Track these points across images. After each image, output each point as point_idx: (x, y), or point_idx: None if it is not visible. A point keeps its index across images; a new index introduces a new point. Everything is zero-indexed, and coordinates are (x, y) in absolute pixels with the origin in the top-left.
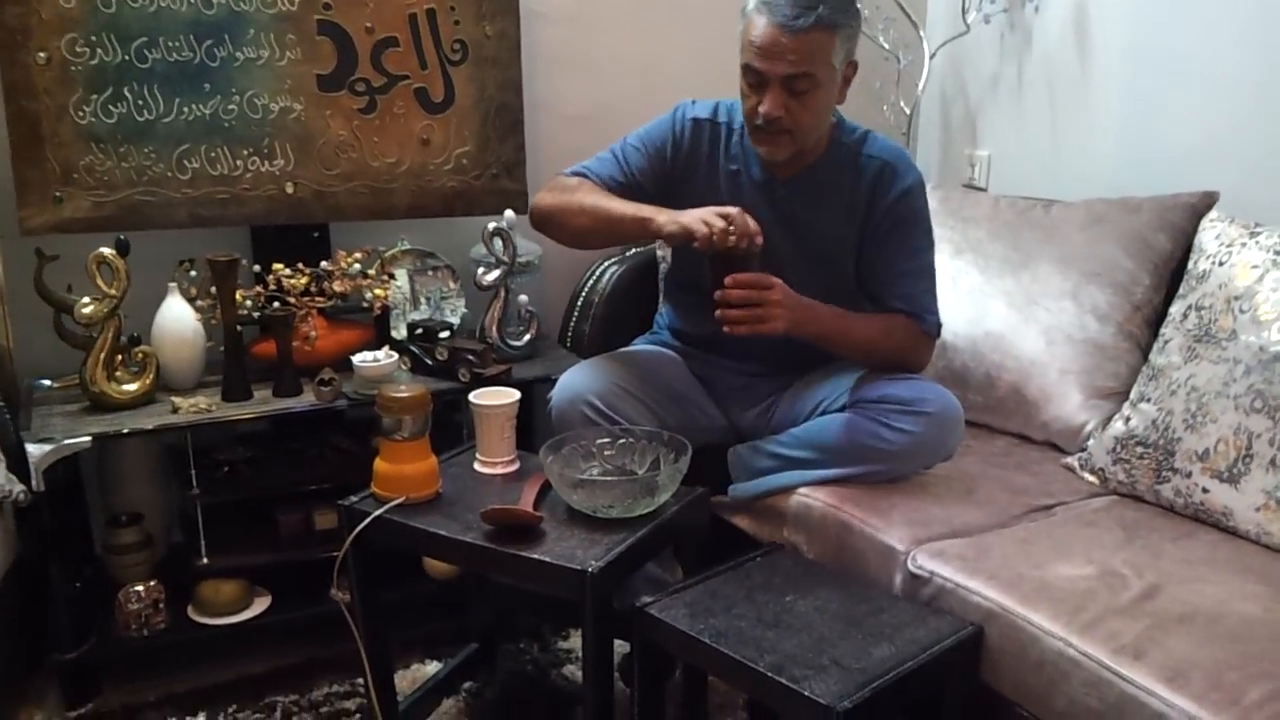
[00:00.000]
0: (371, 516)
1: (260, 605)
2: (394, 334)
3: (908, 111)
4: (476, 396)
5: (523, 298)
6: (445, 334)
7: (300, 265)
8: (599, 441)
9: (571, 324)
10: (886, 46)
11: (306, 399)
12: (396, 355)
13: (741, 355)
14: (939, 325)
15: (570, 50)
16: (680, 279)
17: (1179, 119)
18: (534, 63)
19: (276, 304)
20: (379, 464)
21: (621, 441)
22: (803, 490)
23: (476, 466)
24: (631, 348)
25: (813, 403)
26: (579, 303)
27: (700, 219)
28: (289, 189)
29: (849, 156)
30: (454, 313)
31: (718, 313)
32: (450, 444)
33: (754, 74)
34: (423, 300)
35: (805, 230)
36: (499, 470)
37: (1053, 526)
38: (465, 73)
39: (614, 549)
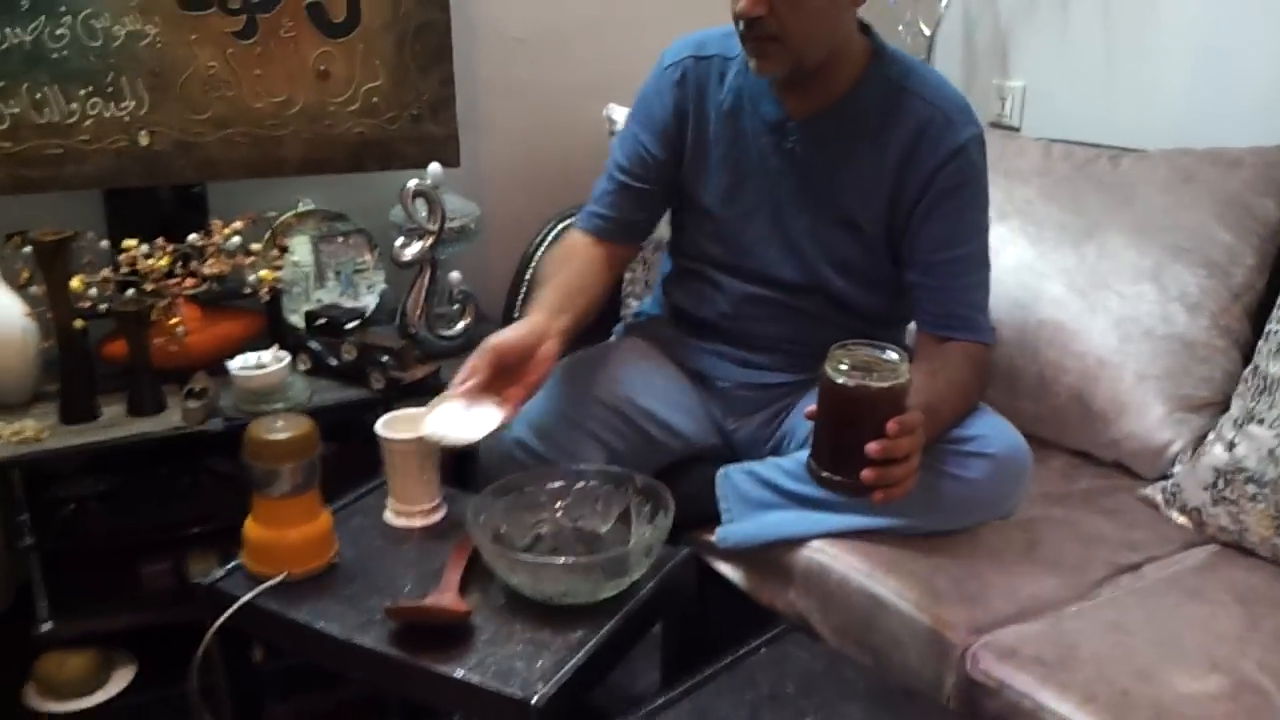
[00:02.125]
0: (238, 604)
1: (121, 680)
2: (294, 319)
3: (928, 33)
4: (386, 425)
5: (454, 275)
6: (353, 324)
7: (160, 241)
8: (550, 486)
9: (519, 304)
10: None
11: (170, 418)
12: (288, 357)
13: (759, 345)
14: (994, 332)
15: None
16: (693, 252)
17: (1274, 49)
18: None
19: (131, 291)
20: (250, 527)
21: (580, 485)
22: (816, 543)
23: (388, 516)
24: (592, 349)
25: None
26: (528, 276)
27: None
28: (143, 139)
29: (889, 94)
30: (371, 290)
31: (867, 474)
32: (364, 472)
33: None
34: (331, 275)
35: (825, 187)
36: (418, 522)
37: (1147, 599)
38: None
39: (570, 660)
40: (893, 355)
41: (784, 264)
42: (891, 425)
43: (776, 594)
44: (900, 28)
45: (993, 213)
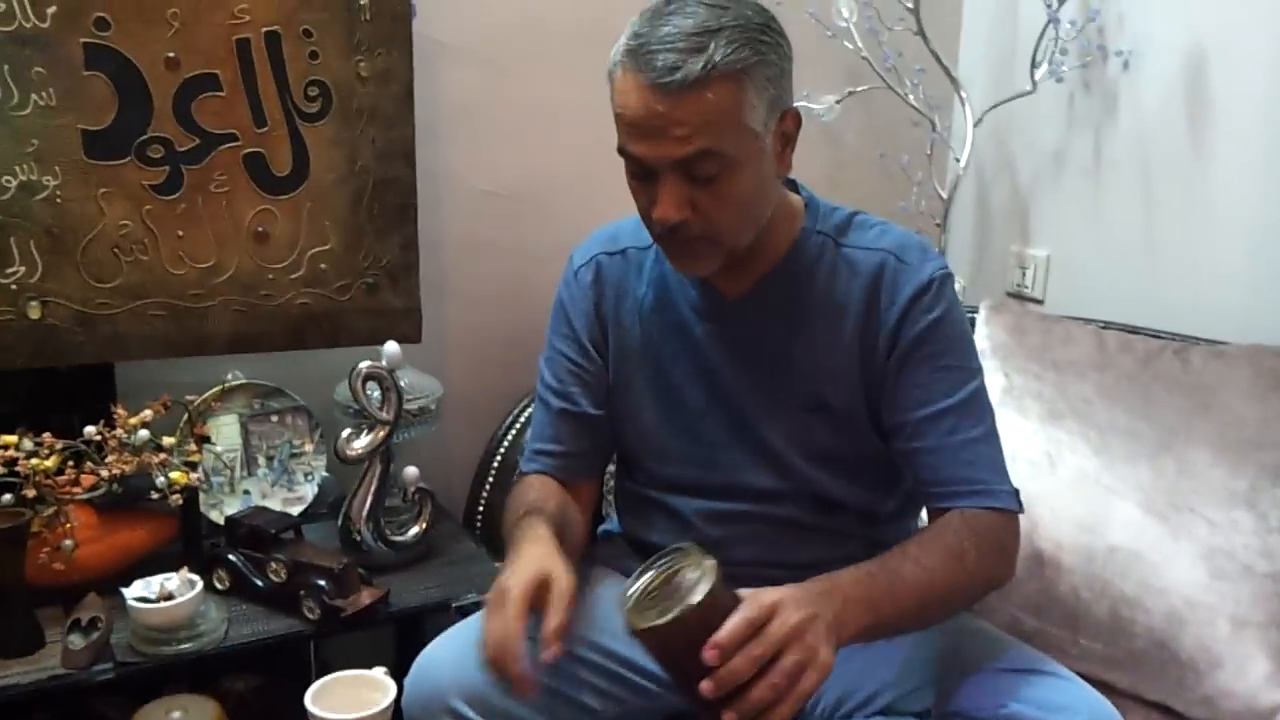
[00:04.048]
0: None
1: None
2: (215, 514)
3: (944, 195)
4: (319, 697)
5: (410, 470)
6: (286, 534)
7: (47, 437)
8: None
9: (484, 498)
10: (916, 106)
11: (46, 660)
12: (199, 584)
13: (740, 575)
14: (1017, 495)
15: (486, 98)
16: (642, 478)
17: None
18: (434, 117)
19: (6, 498)
20: None
21: None
22: None
23: None
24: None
25: (870, 690)
26: (494, 464)
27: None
28: (33, 312)
29: (830, 250)
30: (310, 479)
31: (725, 715)
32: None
33: (635, 162)
34: (262, 461)
35: (781, 370)
36: None
37: None
38: (326, 132)
39: None
40: (678, 565)
41: (753, 469)
42: (709, 653)
43: None
44: (914, 190)
45: (1042, 409)
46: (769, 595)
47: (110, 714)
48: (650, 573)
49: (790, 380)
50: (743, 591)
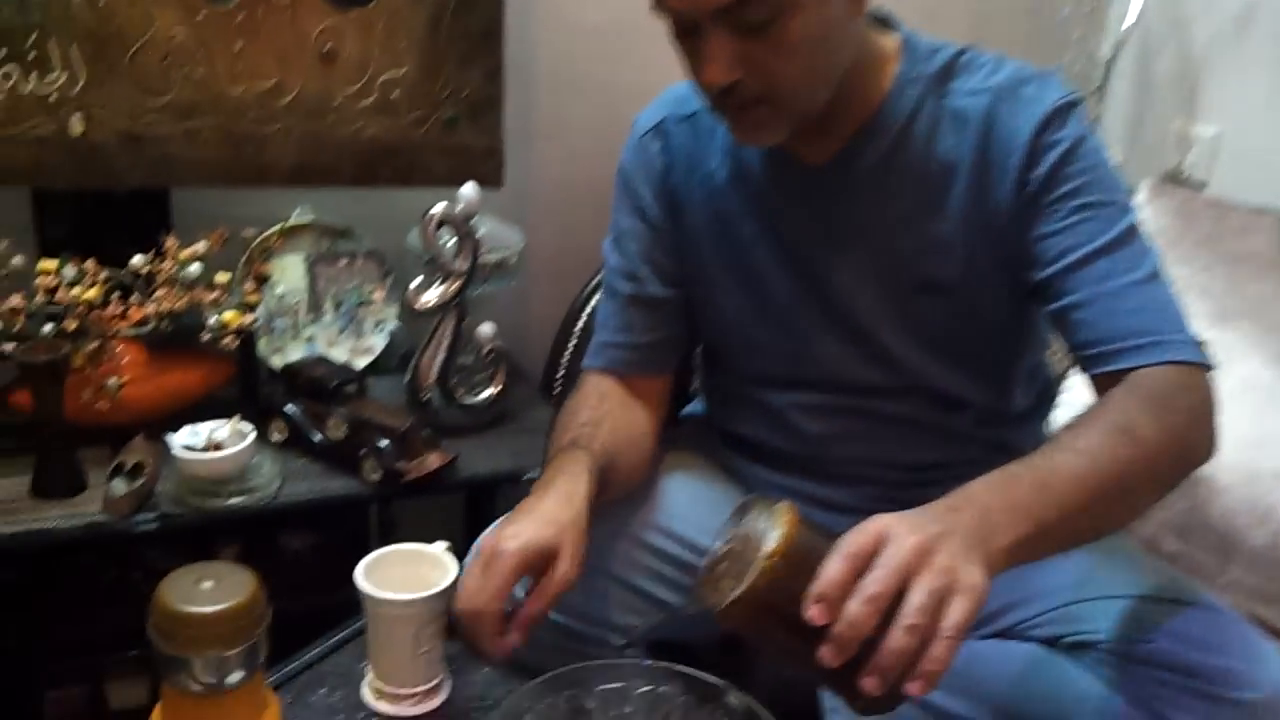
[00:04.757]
0: None
1: None
2: (275, 360)
3: (1104, 58)
4: (370, 571)
5: (485, 328)
6: (349, 388)
7: (90, 264)
8: (600, 688)
9: (563, 363)
10: None
11: (87, 506)
12: (252, 433)
13: (845, 476)
14: (1200, 345)
15: None
16: (729, 369)
17: None
18: None
19: (49, 328)
20: None
21: (644, 690)
22: None
23: (368, 696)
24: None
25: (991, 609)
26: (577, 328)
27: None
28: (75, 127)
29: (935, 93)
30: (380, 329)
31: (864, 683)
32: (347, 576)
33: (674, 18)
34: (329, 307)
35: (883, 244)
36: (408, 709)
37: None
38: None
39: None
40: (744, 523)
41: (856, 363)
42: (811, 610)
43: None
44: (1070, 49)
45: (1210, 306)
46: (872, 523)
47: (160, 565)
48: (717, 544)
49: (893, 259)
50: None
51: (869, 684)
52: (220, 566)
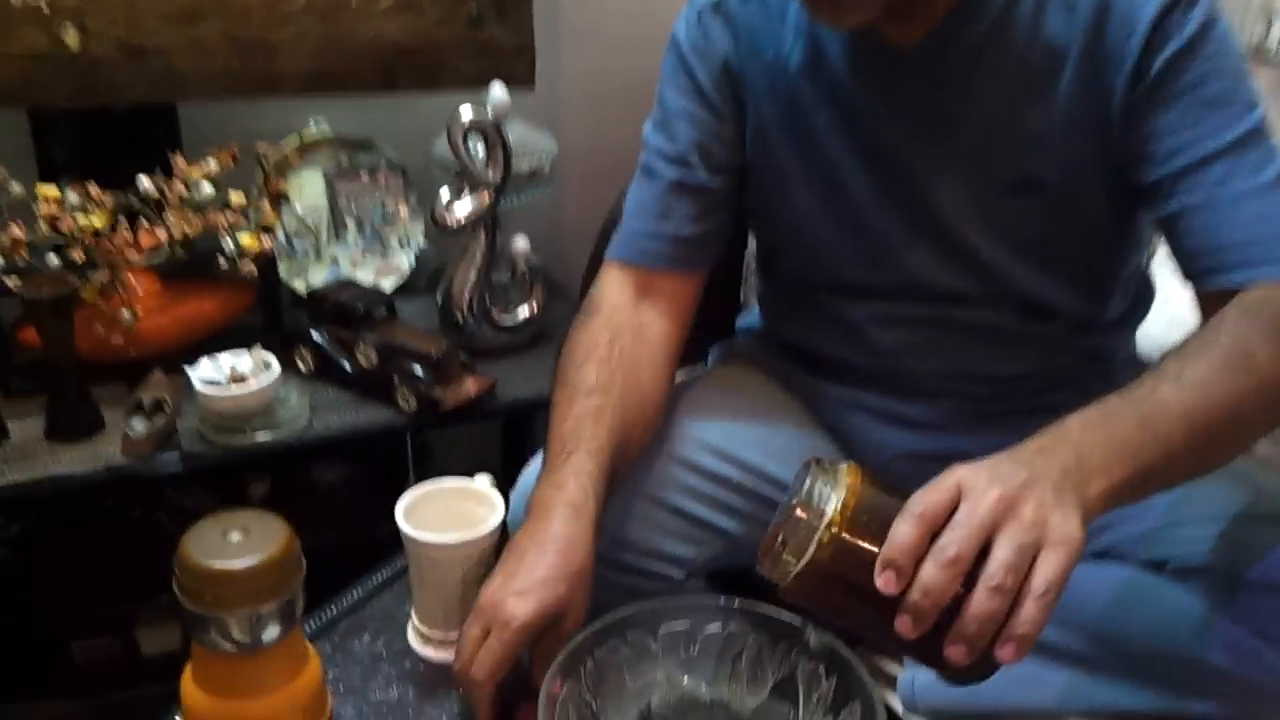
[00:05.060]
0: None
1: None
2: (298, 284)
3: None
4: (412, 510)
5: (520, 243)
6: (378, 312)
7: (93, 188)
8: (667, 629)
9: None
10: None
11: (105, 448)
12: (276, 366)
13: (923, 391)
14: None
15: None
16: (793, 274)
17: None
18: None
19: (53, 260)
20: (189, 691)
21: (713, 630)
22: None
23: (414, 640)
24: (703, 373)
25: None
26: None
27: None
28: (70, 40)
29: None
30: (406, 247)
31: (949, 652)
32: (387, 508)
33: None
34: (351, 226)
35: (976, 138)
36: (453, 654)
37: None
38: None
39: None
40: (804, 488)
41: (939, 267)
42: (882, 580)
43: None
44: None
45: None
46: (947, 476)
47: (188, 505)
48: (780, 510)
49: (988, 154)
50: None
51: (955, 653)
52: (249, 515)
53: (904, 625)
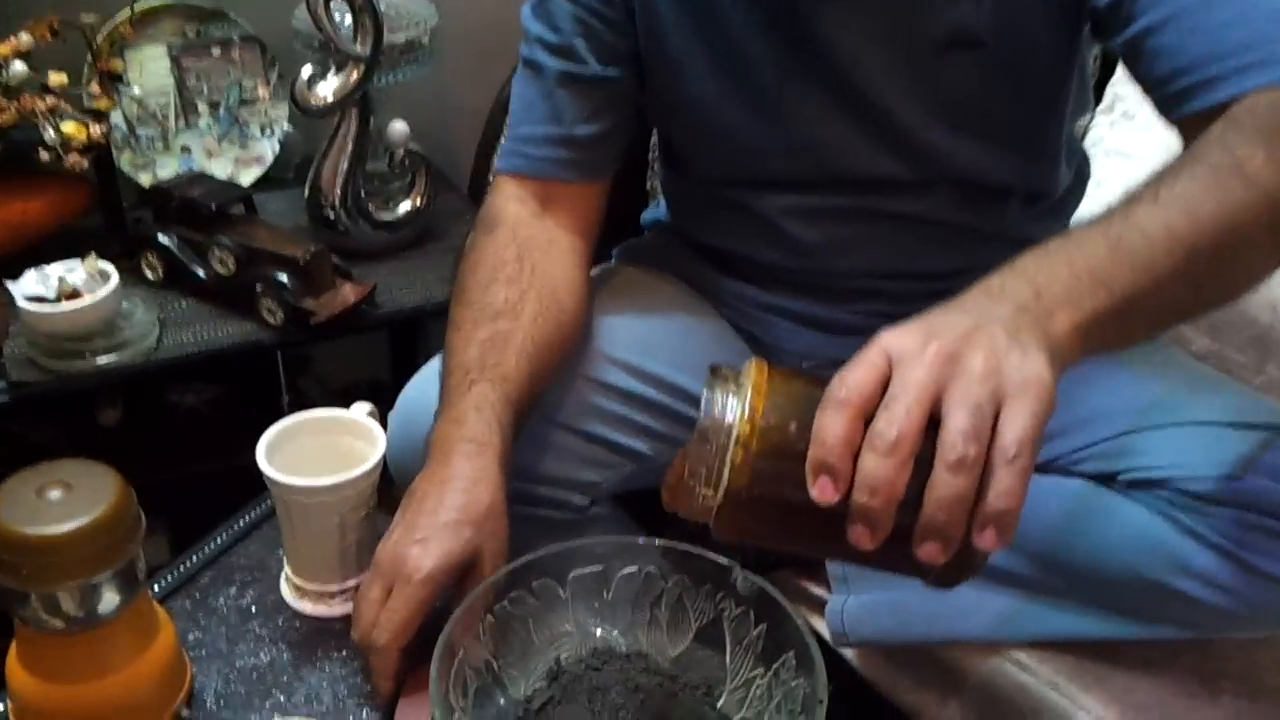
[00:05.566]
0: None
1: None
2: (147, 179)
3: None
4: (274, 447)
5: (398, 126)
6: (235, 209)
7: None
8: (577, 573)
9: (494, 166)
10: None
11: None
12: (114, 276)
13: (847, 291)
14: None
15: None
16: (700, 170)
17: None
18: None
19: None
20: (15, 676)
21: (629, 571)
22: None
23: (287, 593)
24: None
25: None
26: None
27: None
28: None
29: None
30: (268, 134)
31: (921, 552)
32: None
33: None
34: (203, 108)
35: None
36: (335, 608)
37: None
38: None
39: None
40: (713, 397)
41: (867, 151)
42: (816, 487)
43: (931, 699)
44: None
45: None
46: (870, 347)
47: (29, 438)
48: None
49: (906, 8)
50: None
51: (927, 553)
52: (70, 465)
53: (858, 536)
